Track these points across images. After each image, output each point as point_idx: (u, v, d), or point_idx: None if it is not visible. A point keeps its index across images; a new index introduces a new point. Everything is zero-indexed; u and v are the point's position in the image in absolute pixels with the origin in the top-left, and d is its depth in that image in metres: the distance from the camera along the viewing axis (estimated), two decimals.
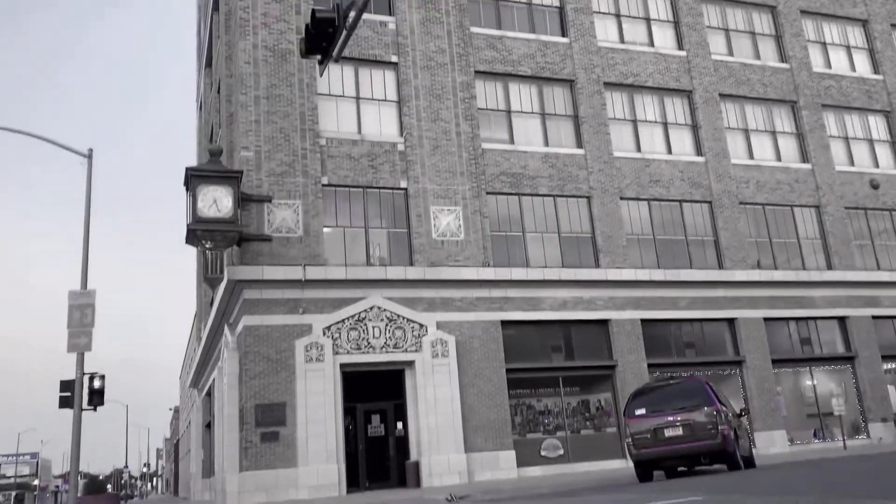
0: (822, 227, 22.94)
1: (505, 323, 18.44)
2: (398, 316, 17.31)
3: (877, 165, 24.63)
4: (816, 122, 23.94)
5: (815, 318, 22.02)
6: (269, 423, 15.70)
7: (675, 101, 22.54)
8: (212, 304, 20.33)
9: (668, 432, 11.61)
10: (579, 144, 20.80)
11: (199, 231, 15.80)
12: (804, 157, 23.55)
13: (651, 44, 22.80)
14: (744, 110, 23.37)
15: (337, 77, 18.92)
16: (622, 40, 22.49)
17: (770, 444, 19.94)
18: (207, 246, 15.87)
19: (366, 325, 16.99)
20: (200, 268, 26.94)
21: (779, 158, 23.25)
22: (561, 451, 18.33)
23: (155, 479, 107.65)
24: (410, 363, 17.26)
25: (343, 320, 16.87)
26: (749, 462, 13.28)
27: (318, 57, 10.63)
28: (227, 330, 17.64)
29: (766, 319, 21.16)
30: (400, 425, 17.60)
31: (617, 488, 10.81)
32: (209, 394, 24.68)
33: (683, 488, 8.41)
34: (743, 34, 24.33)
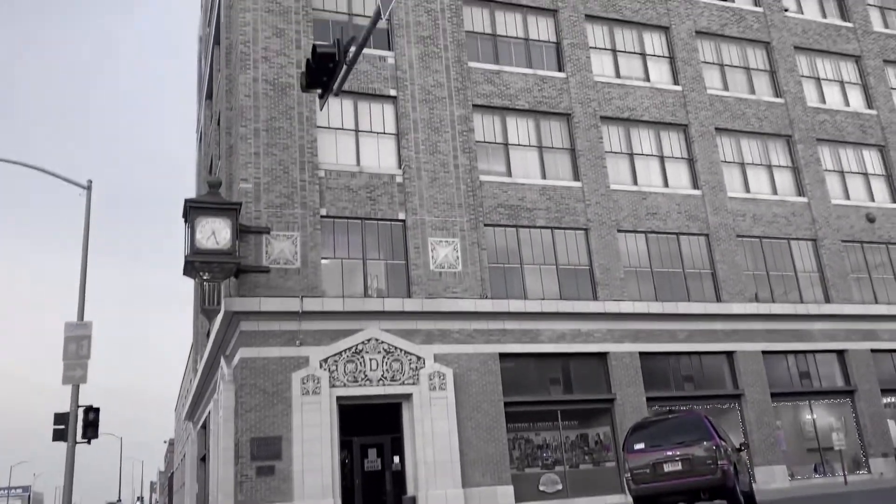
0: (819, 261, 23.00)
1: (503, 355, 18.38)
2: (395, 348, 17.25)
3: (872, 199, 24.79)
4: (812, 155, 24.14)
5: (813, 352, 21.97)
6: (264, 457, 15.54)
7: (671, 134, 22.74)
8: (209, 335, 20.25)
9: (668, 467, 11.50)
10: (576, 177, 20.93)
11: (197, 263, 15.80)
12: (800, 191, 23.70)
13: (647, 78, 23.07)
14: (739, 144, 23.57)
15: (336, 110, 19.10)
16: (618, 75, 22.76)
17: (770, 479, 19.75)
18: (205, 277, 15.86)
19: (363, 357, 16.92)
20: (198, 299, 26.88)
21: (775, 192, 23.40)
22: (559, 486, 18.13)
23: None
24: (408, 396, 17.15)
25: (340, 352, 16.79)
26: (749, 498, 13.14)
27: (319, 91, 10.75)
28: (223, 362, 17.55)
29: (764, 353, 21.11)
30: (397, 459, 17.43)
31: None
32: (204, 426, 24.45)
33: None
34: (738, 69, 24.65)
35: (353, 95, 19.34)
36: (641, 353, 19.71)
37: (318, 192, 17.98)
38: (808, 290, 22.56)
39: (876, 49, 27.06)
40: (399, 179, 18.89)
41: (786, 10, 26.05)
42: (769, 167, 23.73)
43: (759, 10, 25.58)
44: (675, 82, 23.34)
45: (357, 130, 19.17)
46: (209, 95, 27.78)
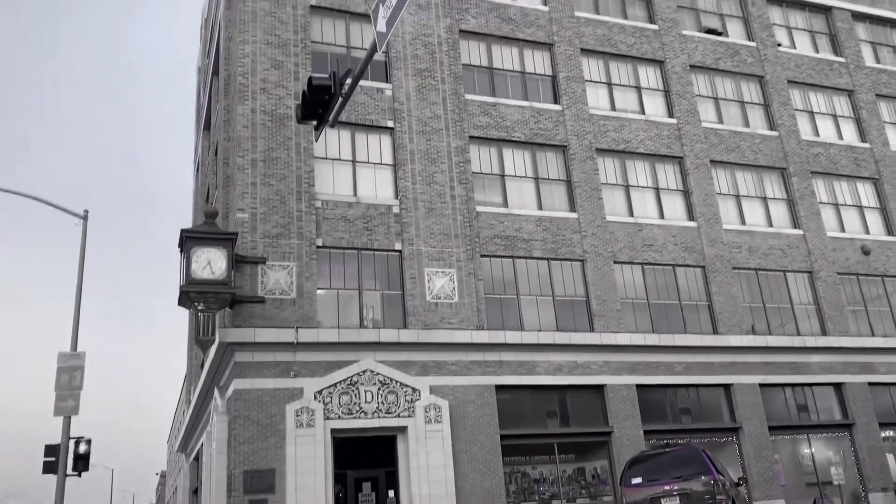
0: (815, 293, 22.99)
1: (499, 387, 18.24)
2: (391, 380, 17.12)
3: (867, 232, 24.87)
4: (806, 188, 24.28)
5: (811, 385, 21.86)
6: (257, 490, 15.32)
7: (666, 166, 22.88)
8: (202, 366, 20.10)
9: (666, 502, 11.37)
10: (572, 208, 20.99)
11: (192, 293, 15.74)
12: (795, 223, 23.78)
13: (642, 111, 23.27)
14: (735, 176, 23.70)
15: (334, 141, 19.19)
16: (613, 108, 22.95)
17: None
18: (200, 308, 15.78)
19: (358, 389, 16.78)
20: (192, 330, 26.73)
21: (770, 224, 23.48)
22: None
23: None
24: (403, 429, 16.98)
25: (335, 384, 16.66)
26: None
27: (314, 122, 10.81)
28: (216, 393, 17.39)
29: (761, 385, 20.99)
30: (392, 493, 17.19)
31: None
32: (197, 459, 24.16)
33: None
34: (732, 102, 24.88)
35: (351, 126, 19.46)
36: (638, 386, 19.59)
37: (314, 222, 17.99)
38: (805, 322, 22.52)
39: (868, 83, 27.36)
40: (396, 210, 18.92)
41: (779, 45, 26.39)
42: (764, 199, 23.83)
43: (753, 44, 25.91)
44: (670, 115, 23.54)
45: (354, 161, 19.24)
46: (207, 126, 27.93)
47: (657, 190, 22.41)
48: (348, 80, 10.41)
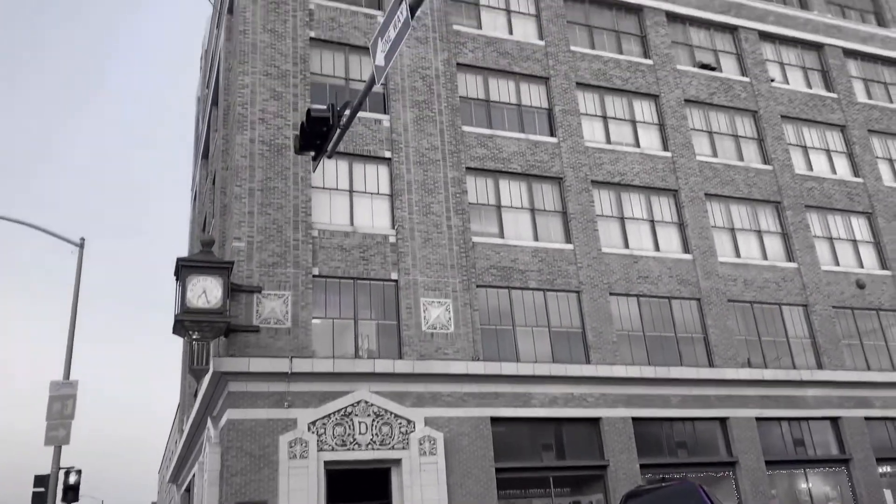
0: (810, 326, 23.01)
1: (494, 419, 18.11)
2: (385, 411, 16.99)
3: (861, 265, 24.98)
4: (800, 222, 24.42)
5: (807, 419, 21.76)
6: None
7: (661, 199, 23.02)
8: (196, 395, 19.95)
9: None
10: (568, 240, 21.06)
11: (187, 321, 15.68)
12: (790, 257, 23.88)
13: (637, 144, 23.48)
14: (729, 209, 23.85)
15: (331, 171, 19.29)
16: (609, 141, 23.16)
17: None
18: (194, 337, 15.71)
19: (352, 420, 16.65)
20: (186, 359, 26.57)
21: (765, 257, 23.57)
22: None
23: None
24: (397, 461, 16.81)
25: (329, 415, 16.53)
26: None
27: (312, 153, 10.89)
28: (210, 423, 17.24)
29: (758, 419, 20.89)
30: None
31: None
32: (188, 490, 23.85)
33: None
34: (726, 136, 25.13)
35: (349, 157, 19.58)
36: (634, 419, 19.47)
37: (310, 251, 18.00)
38: (801, 355, 22.50)
39: (860, 119, 27.69)
40: (392, 239, 18.96)
41: (772, 81, 26.74)
42: (759, 233, 23.96)
43: (746, 80, 26.25)
44: (665, 148, 23.75)
45: (351, 191, 19.33)
46: (205, 155, 28.07)
47: (652, 222, 22.52)
48: (347, 112, 10.52)
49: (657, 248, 22.15)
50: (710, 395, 20.50)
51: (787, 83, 27.26)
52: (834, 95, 27.70)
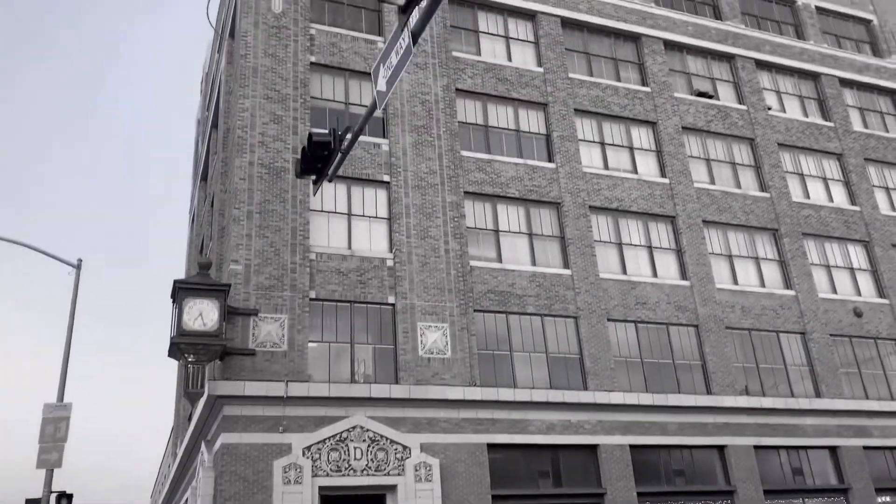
0: (808, 354, 22.94)
1: (491, 446, 17.95)
2: (381, 436, 16.84)
3: (859, 294, 24.98)
4: (798, 249, 24.46)
5: (805, 448, 21.61)
6: None
7: (659, 225, 23.06)
8: (190, 419, 19.78)
9: None
10: (566, 265, 21.05)
11: (183, 344, 15.59)
12: (788, 284, 23.88)
13: (635, 171, 23.57)
14: (727, 236, 23.89)
15: (330, 194, 19.32)
16: (606, 167, 23.25)
17: None
18: (190, 360, 15.61)
19: (347, 445, 16.50)
20: (181, 382, 26.38)
21: (763, 284, 23.57)
22: None
23: None
24: (392, 487, 16.63)
25: (324, 440, 16.37)
26: None
27: (313, 177, 10.91)
28: (204, 447, 17.07)
29: (756, 447, 20.74)
30: None
31: None
32: None
33: None
34: (724, 164, 25.25)
35: (347, 180, 19.61)
36: (632, 446, 19.32)
37: (308, 274, 17.96)
38: (799, 383, 22.41)
39: (857, 148, 27.87)
40: (390, 263, 18.93)
41: (769, 109, 26.94)
42: (756, 260, 23.98)
43: (744, 107, 26.44)
44: (663, 175, 23.84)
45: (350, 214, 19.34)
46: (204, 177, 28.11)
47: (650, 248, 22.54)
48: (348, 136, 10.55)
49: (655, 274, 22.14)
50: (707, 423, 20.37)
51: (784, 111, 27.47)
52: (830, 124, 27.90)
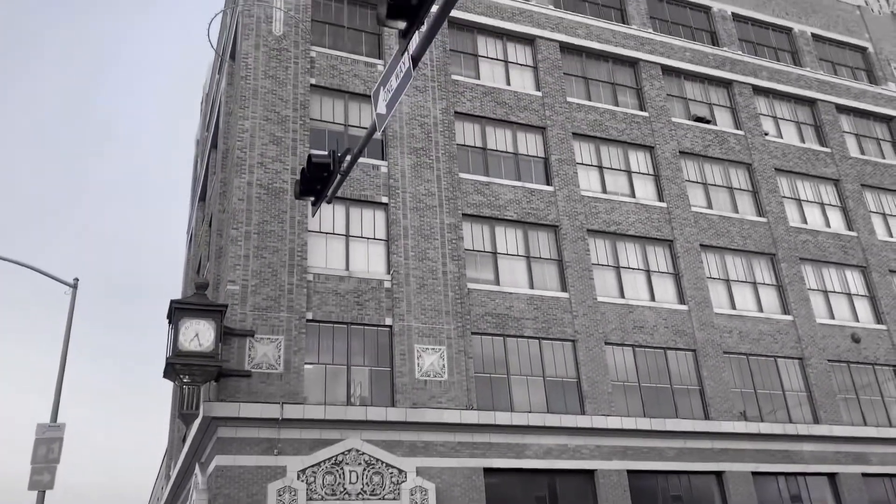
0: (806, 380, 22.86)
1: (487, 470, 17.79)
2: (377, 460, 16.70)
3: (857, 319, 24.95)
4: (795, 274, 24.47)
5: (803, 474, 21.45)
6: None
7: (656, 249, 23.07)
8: (184, 440, 19.61)
9: None
10: (564, 288, 21.02)
11: (178, 365, 15.49)
12: (785, 309, 23.85)
13: (632, 194, 23.63)
14: (724, 261, 23.90)
15: (328, 215, 19.33)
16: (604, 190, 23.31)
17: None
18: (185, 380, 15.50)
19: (342, 468, 16.34)
20: (176, 403, 26.19)
21: (760, 309, 23.54)
22: None
23: None
24: None
25: (319, 463, 16.22)
26: None
27: (311, 198, 10.91)
28: (198, 469, 16.90)
29: (754, 473, 20.59)
30: None
31: None
32: None
33: None
34: (721, 188, 25.34)
35: (346, 201, 19.63)
36: (630, 472, 19.16)
37: (305, 295, 17.91)
38: (797, 409, 22.30)
39: (853, 173, 27.99)
40: (387, 285, 18.89)
41: (765, 134, 27.10)
42: (754, 284, 23.97)
43: (741, 133, 26.59)
44: (660, 199, 23.90)
45: (348, 235, 19.33)
46: (202, 197, 28.13)
47: (648, 272, 22.53)
48: (347, 158, 10.56)
49: (653, 298, 22.11)
50: (705, 449, 20.24)
51: (781, 137, 27.62)
52: (827, 150, 28.05)
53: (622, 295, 21.77)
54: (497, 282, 20.40)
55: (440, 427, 17.62)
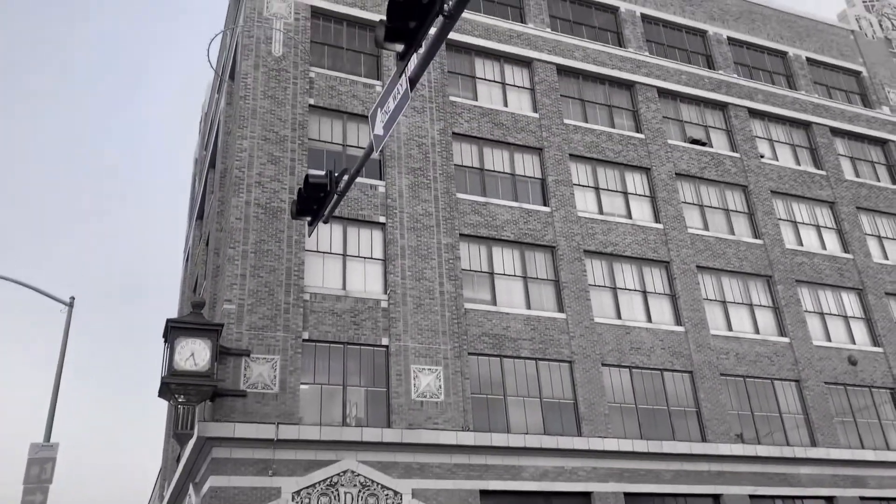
0: (803, 402, 22.80)
1: (484, 493, 17.67)
2: (372, 482, 16.58)
3: (853, 342, 24.94)
4: (791, 296, 24.49)
5: (801, 497, 21.32)
6: None
7: (653, 270, 23.11)
8: (178, 460, 19.47)
9: None
10: (560, 309, 21.02)
11: (174, 384, 15.42)
12: (782, 331, 23.85)
13: (629, 216, 23.71)
14: (721, 282, 23.93)
15: (326, 234, 19.35)
16: (601, 211, 23.39)
17: None
18: (180, 400, 15.42)
19: (337, 490, 16.22)
20: (170, 423, 26.03)
21: (757, 331, 23.53)
22: None
23: None
24: None
25: (314, 484, 16.11)
26: None
27: (308, 218, 10.93)
28: (192, 490, 16.77)
29: (751, 497, 20.46)
30: None
31: None
32: None
33: None
34: (717, 210, 25.44)
35: (343, 221, 19.67)
36: (626, 494, 19.04)
37: (301, 315, 17.88)
38: (794, 431, 22.23)
39: (849, 196, 28.13)
40: (384, 304, 18.88)
41: (761, 157, 27.26)
42: (750, 306, 23.98)
43: (737, 155, 26.74)
44: (657, 220, 23.98)
45: (345, 255, 19.34)
46: (200, 216, 28.15)
47: (644, 293, 22.54)
48: (344, 178, 10.60)
49: (649, 319, 22.11)
50: (703, 471, 20.13)
51: (777, 159, 27.79)
52: (822, 172, 28.21)
53: (619, 316, 21.76)
54: (494, 302, 20.40)
55: (436, 448, 17.52)
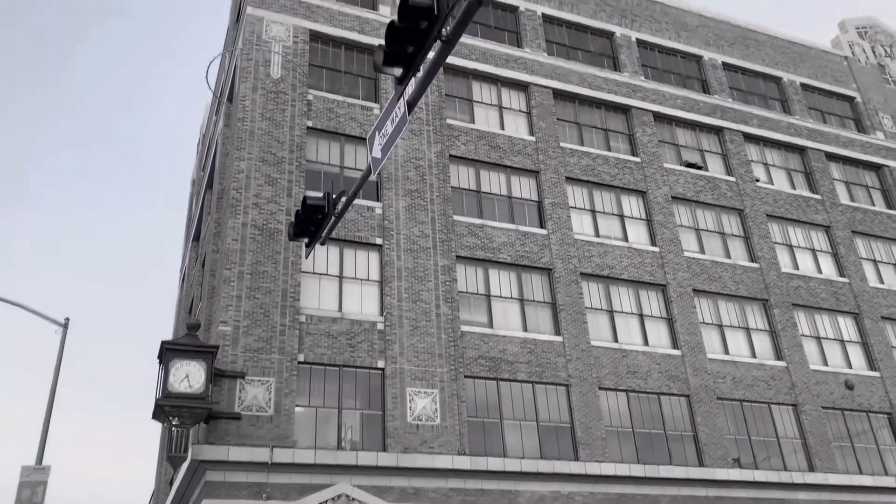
0: (800, 427, 22.70)
1: None
2: None
3: (850, 366, 24.90)
4: (788, 320, 24.48)
5: None
6: None
7: (649, 293, 23.10)
8: (171, 484, 19.27)
9: None
10: (557, 331, 20.97)
11: (168, 406, 15.30)
12: (778, 355, 23.81)
13: (625, 238, 23.76)
14: (717, 306, 23.93)
15: (322, 256, 19.33)
16: (597, 234, 23.44)
17: None
18: (174, 423, 15.29)
19: None
20: (164, 445, 25.79)
21: (754, 355, 23.49)
22: None
23: None
24: None
25: None
26: None
27: (305, 240, 10.93)
28: None
29: None
30: None
31: None
32: None
33: None
34: (713, 234, 25.50)
35: (340, 242, 19.66)
36: None
37: (297, 337, 17.80)
38: (791, 456, 22.11)
39: (844, 220, 28.24)
40: (380, 327, 18.81)
41: (757, 181, 27.40)
42: (747, 330, 23.96)
43: (732, 179, 26.88)
44: (653, 243, 24.02)
45: (341, 277, 19.31)
46: (196, 237, 28.13)
47: (641, 316, 22.52)
48: (342, 200, 10.62)
49: (646, 342, 22.06)
50: (700, 496, 19.97)
51: (772, 183, 27.92)
52: (818, 196, 28.35)
53: (616, 339, 21.72)
54: (490, 324, 20.35)
55: (432, 473, 17.37)
